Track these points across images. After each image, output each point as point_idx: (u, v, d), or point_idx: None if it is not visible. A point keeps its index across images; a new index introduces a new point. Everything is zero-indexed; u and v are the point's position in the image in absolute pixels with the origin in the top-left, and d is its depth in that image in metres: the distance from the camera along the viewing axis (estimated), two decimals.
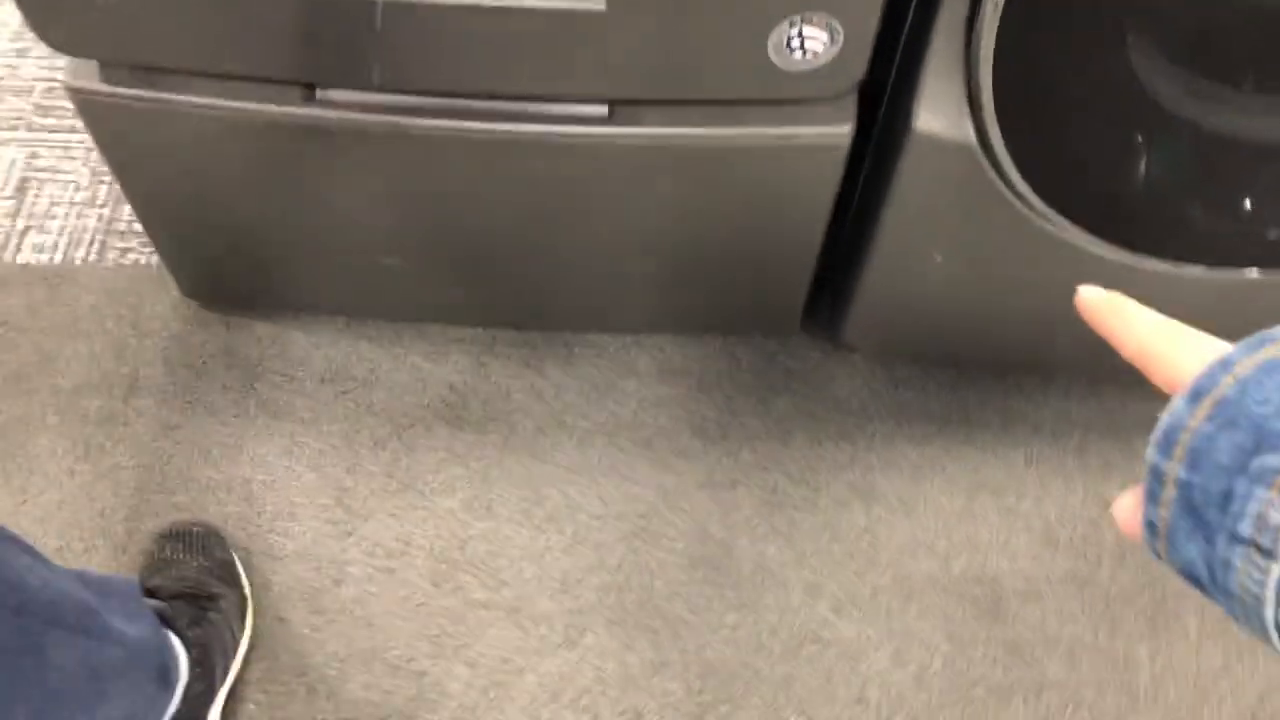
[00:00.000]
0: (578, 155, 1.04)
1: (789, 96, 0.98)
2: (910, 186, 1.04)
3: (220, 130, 1.04)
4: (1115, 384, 1.31)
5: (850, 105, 1.01)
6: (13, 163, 1.46)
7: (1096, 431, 1.28)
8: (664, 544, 1.20)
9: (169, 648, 0.97)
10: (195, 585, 1.07)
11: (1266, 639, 0.34)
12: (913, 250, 1.12)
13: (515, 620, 1.15)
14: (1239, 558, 0.34)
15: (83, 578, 0.86)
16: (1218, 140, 0.98)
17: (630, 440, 1.26)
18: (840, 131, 1.01)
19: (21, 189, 1.43)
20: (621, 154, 1.03)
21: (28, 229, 1.40)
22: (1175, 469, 0.36)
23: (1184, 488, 0.35)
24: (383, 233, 1.17)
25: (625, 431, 1.26)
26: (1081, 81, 0.94)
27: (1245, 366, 0.35)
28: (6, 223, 1.40)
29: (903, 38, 1.00)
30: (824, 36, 0.91)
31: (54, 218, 1.41)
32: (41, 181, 1.44)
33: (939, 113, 0.96)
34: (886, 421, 1.28)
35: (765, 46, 0.91)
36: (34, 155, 1.46)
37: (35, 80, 1.52)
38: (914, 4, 0.96)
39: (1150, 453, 0.37)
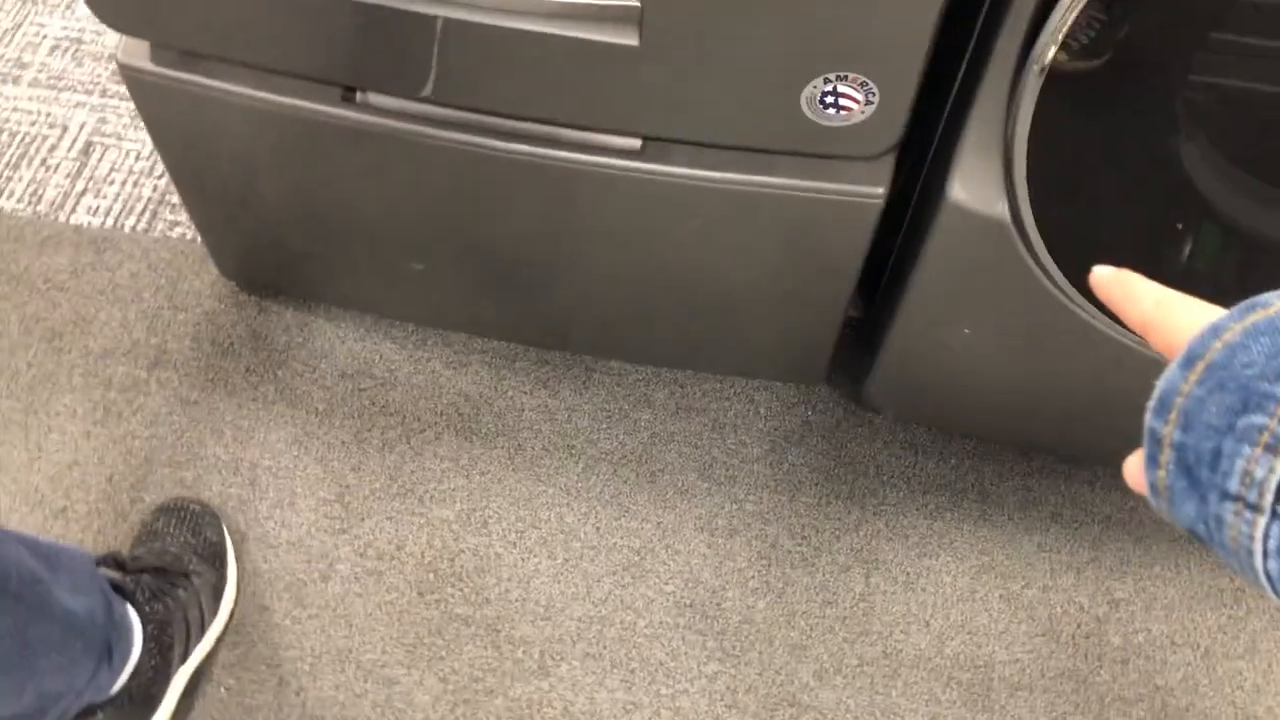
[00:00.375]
0: (607, 186, 1.03)
1: (821, 152, 0.96)
2: (941, 256, 1.01)
3: (260, 121, 1.06)
4: None
5: (886, 168, 0.98)
6: (82, 125, 1.49)
7: (1117, 527, 1.23)
8: (653, 583, 1.18)
9: (118, 623, 0.97)
10: (172, 561, 1.08)
11: (1260, 588, 0.36)
12: (940, 319, 1.09)
13: (493, 640, 1.14)
14: (1229, 513, 0.36)
15: (34, 546, 0.87)
16: (1266, 243, 0.94)
17: (635, 472, 1.24)
18: (873, 192, 0.99)
19: (86, 152, 1.47)
20: (651, 189, 1.02)
21: (85, 191, 1.43)
22: (1171, 432, 0.38)
23: (1179, 449, 0.37)
24: (410, 238, 1.17)
25: (631, 463, 1.25)
26: (1124, 169, 0.90)
27: (1234, 332, 0.37)
28: (66, 183, 1.44)
29: (947, 107, 0.97)
30: (859, 96, 0.89)
31: (112, 183, 1.44)
32: (106, 147, 1.48)
33: (973, 185, 0.93)
34: (900, 488, 1.25)
35: (799, 99, 0.90)
36: (103, 120, 1.50)
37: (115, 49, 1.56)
38: (960, 74, 0.93)
39: (1148, 417, 0.39)
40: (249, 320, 1.34)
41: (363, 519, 1.21)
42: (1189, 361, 0.38)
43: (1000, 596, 1.19)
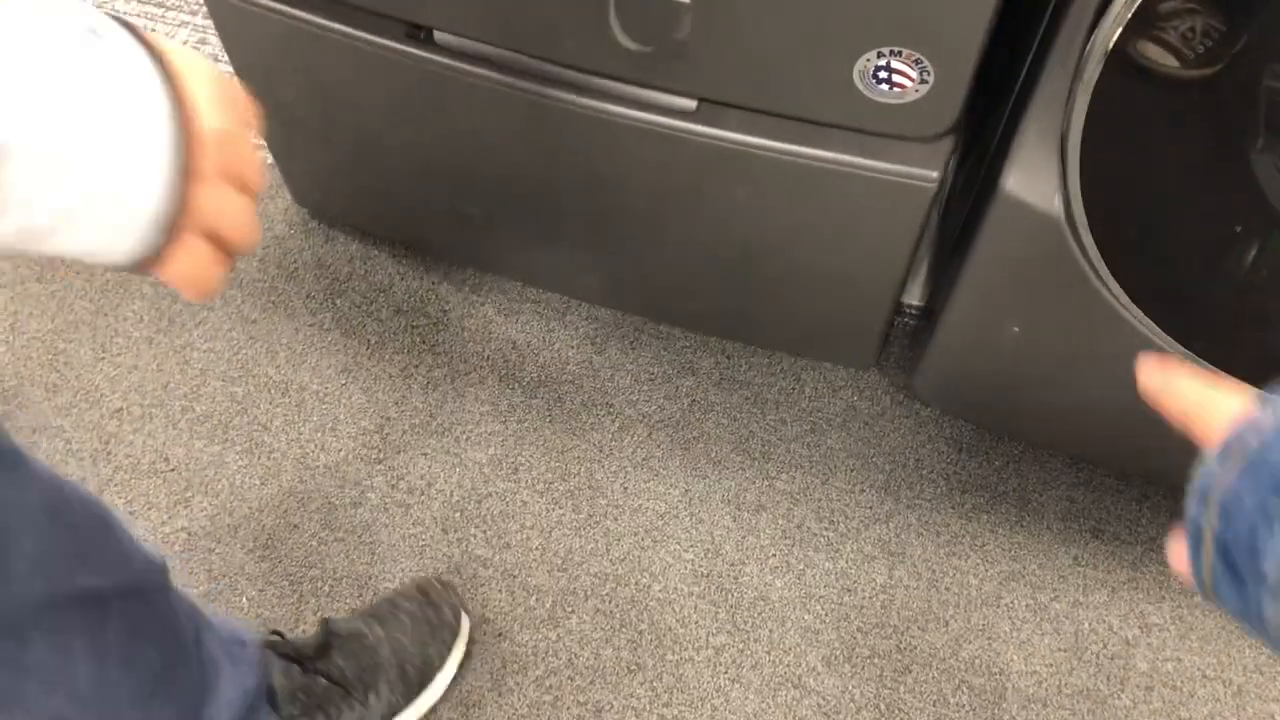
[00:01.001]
0: (663, 145, 1.02)
1: (873, 129, 0.94)
2: (992, 249, 0.98)
3: (333, 53, 1.07)
4: None
5: (942, 153, 0.95)
6: (183, 45, 1.54)
7: (1161, 550, 1.18)
8: (673, 548, 1.18)
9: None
10: (363, 673, 1.03)
11: None
12: (990, 315, 1.06)
13: (508, 585, 1.16)
14: (1268, 597, 0.36)
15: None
16: None
17: (670, 437, 1.24)
18: (927, 175, 0.96)
19: None
20: (704, 153, 1.01)
21: None
22: (1211, 521, 0.39)
23: (1219, 538, 0.39)
24: (469, 181, 1.18)
25: (668, 428, 1.25)
26: (1187, 174, 0.86)
27: (1269, 423, 0.38)
28: None
29: (1013, 94, 0.94)
30: (914, 74, 0.86)
31: None
32: None
33: (1029, 178, 0.90)
34: (938, 484, 1.22)
35: (851, 73, 0.87)
36: (203, 40, 1.54)
37: None
38: (1026, 65, 0.90)
39: (1189, 506, 0.40)
40: (315, 248, 1.37)
41: (399, 451, 1.23)
42: (1226, 454, 0.39)
43: (1027, 605, 1.15)
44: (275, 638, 1.03)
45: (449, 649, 1.09)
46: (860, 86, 0.88)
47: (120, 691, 0.77)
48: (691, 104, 0.99)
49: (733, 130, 0.98)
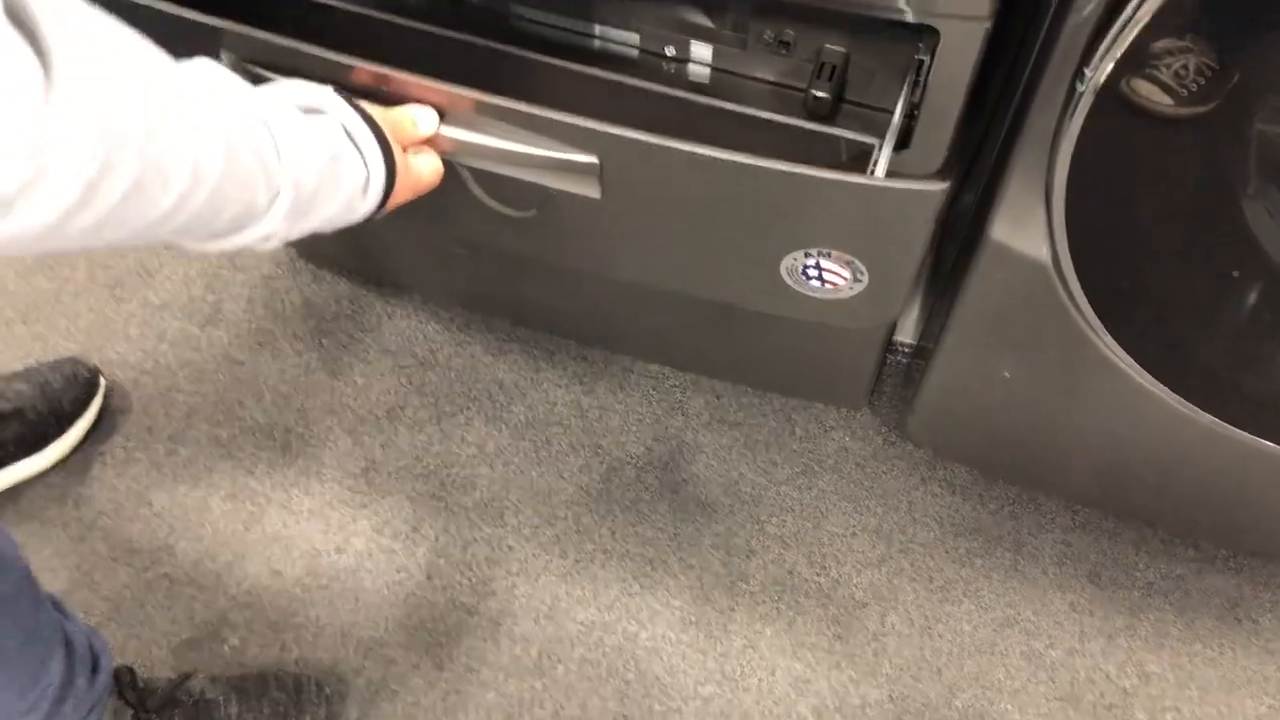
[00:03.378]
0: None
1: (808, 319, 0.91)
2: (981, 293, 0.96)
3: None
4: (1194, 548, 1.19)
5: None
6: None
7: (1159, 596, 1.16)
8: (661, 595, 1.16)
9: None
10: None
11: None
12: (980, 359, 1.04)
13: (493, 633, 1.14)
14: None
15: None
16: None
17: (659, 480, 1.22)
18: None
19: None
20: None
21: None
22: None
23: None
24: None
25: (656, 470, 1.23)
26: (1175, 219, 0.84)
27: None
28: None
29: (1000, 136, 0.92)
30: (845, 274, 0.83)
31: None
32: None
33: (1015, 225, 0.88)
34: (931, 528, 1.20)
35: (778, 269, 0.85)
36: None
37: None
38: (1012, 110, 0.88)
39: None
40: (303, 288, 1.36)
41: (384, 495, 1.21)
42: None
43: (1021, 653, 1.13)
44: (125, 672, 0.99)
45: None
46: (789, 282, 0.85)
47: None
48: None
49: None
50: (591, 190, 0.82)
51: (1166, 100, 0.79)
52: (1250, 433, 0.92)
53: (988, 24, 0.71)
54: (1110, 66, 0.75)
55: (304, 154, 0.65)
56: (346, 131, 0.71)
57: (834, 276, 0.82)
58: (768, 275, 0.85)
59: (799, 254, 0.81)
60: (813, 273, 0.82)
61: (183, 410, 1.27)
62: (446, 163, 0.82)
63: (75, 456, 1.23)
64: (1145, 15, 0.71)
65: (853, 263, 0.80)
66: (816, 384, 1.25)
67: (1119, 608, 1.15)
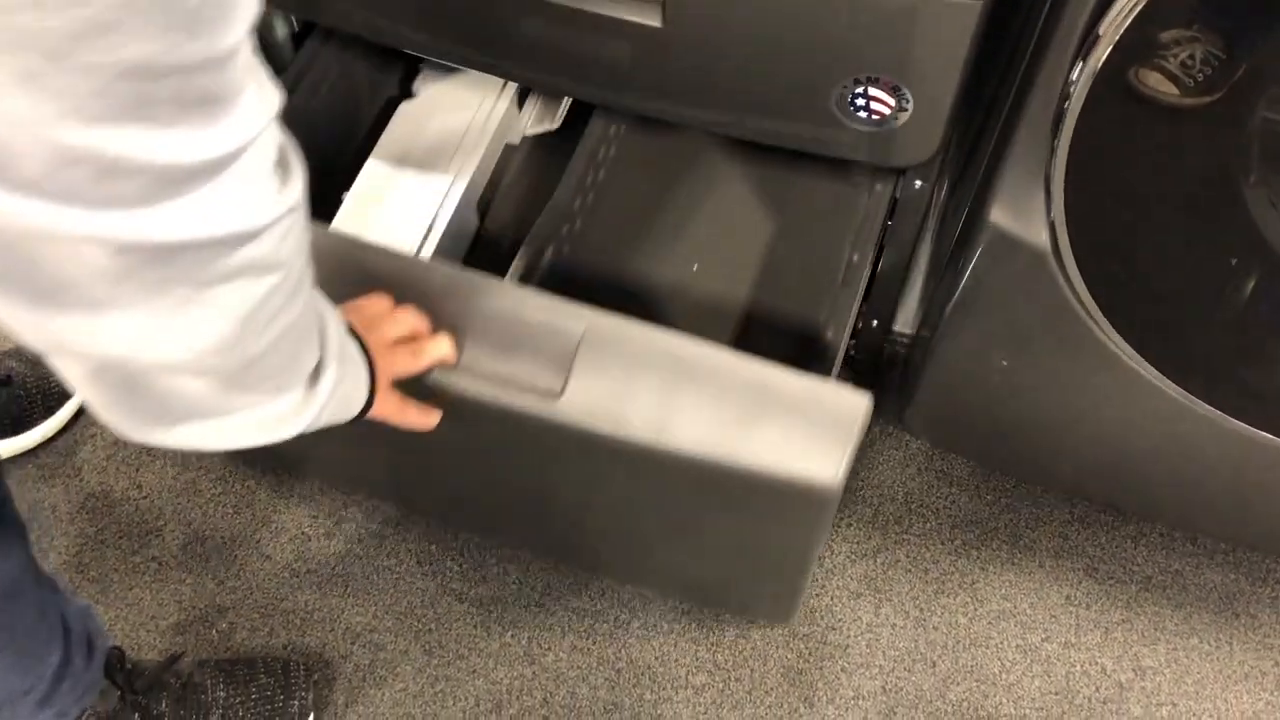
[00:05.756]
0: (525, 427, 0.86)
1: (854, 156, 0.91)
2: (979, 279, 0.95)
3: None
4: (1192, 542, 1.17)
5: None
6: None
7: (1157, 590, 1.14)
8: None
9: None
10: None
11: None
12: (978, 347, 1.02)
13: (484, 620, 1.13)
14: None
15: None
16: None
17: None
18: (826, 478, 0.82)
19: None
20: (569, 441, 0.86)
21: None
22: None
23: None
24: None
25: None
26: (1176, 206, 0.83)
27: None
28: None
29: (1000, 120, 0.91)
30: (891, 101, 0.83)
31: None
32: None
33: (1014, 210, 0.87)
34: (927, 519, 1.19)
35: (828, 99, 0.85)
36: None
37: None
38: (1013, 93, 0.87)
39: None
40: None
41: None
42: None
43: (1017, 647, 1.12)
44: (114, 653, 0.97)
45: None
46: (837, 113, 0.85)
47: None
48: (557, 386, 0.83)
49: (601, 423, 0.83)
50: (653, 19, 0.83)
51: (1173, 90, 0.77)
52: (1251, 424, 0.91)
53: None
54: (1107, 54, 0.74)
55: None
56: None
57: (880, 105, 0.83)
58: (818, 108, 0.86)
59: (848, 81, 0.82)
60: (860, 102, 0.84)
61: None
62: None
63: (64, 437, 1.22)
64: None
65: (898, 89, 0.81)
66: (737, 599, 1.14)
67: (1116, 601, 1.14)
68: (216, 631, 1.12)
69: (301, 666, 1.07)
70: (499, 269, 0.97)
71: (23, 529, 0.84)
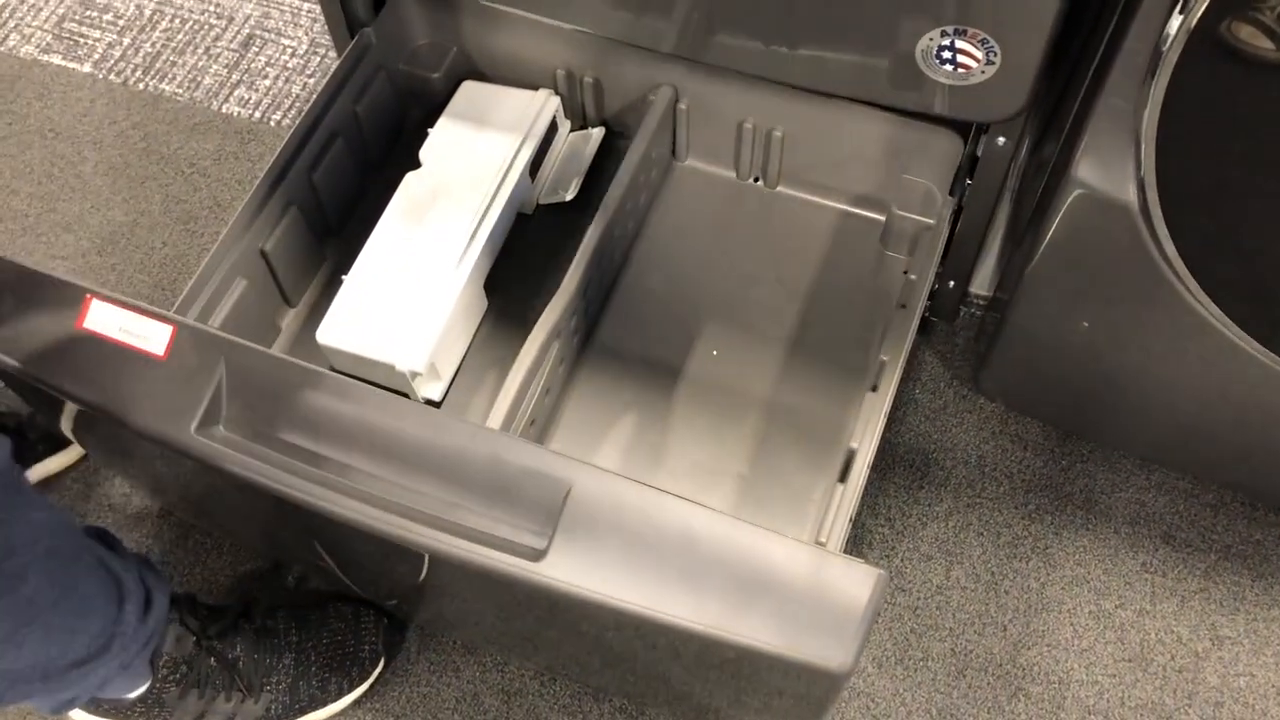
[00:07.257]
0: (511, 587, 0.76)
1: (938, 111, 0.89)
2: (1062, 237, 0.93)
3: None
4: (1277, 513, 1.15)
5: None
6: (247, 18, 1.54)
7: (1236, 559, 1.12)
8: None
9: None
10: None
11: None
12: (1059, 309, 1.00)
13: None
14: None
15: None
16: None
17: None
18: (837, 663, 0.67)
19: (246, 44, 1.52)
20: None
21: (239, 83, 1.48)
22: None
23: None
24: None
25: None
26: (1272, 165, 0.80)
27: None
28: (224, 73, 1.49)
29: (1089, 74, 0.88)
30: (979, 54, 0.82)
31: (265, 77, 1.48)
32: (265, 41, 1.52)
33: (1101, 164, 0.85)
34: (1001, 483, 1.17)
35: (913, 51, 0.83)
36: (266, 15, 1.54)
37: None
38: (1105, 41, 0.84)
39: None
40: None
41: None
42: None
43: (1090, 613, 1.10)
44: (186, 599, 0.98)
45: (350, 687, 1.06)
46: (923, 67, 0.84)
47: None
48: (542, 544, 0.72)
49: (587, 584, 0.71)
50: None
51: (1268, 45, 0.75)
52: None
53: None
54: (1204, 8, 0.71)
55: None
56: None
57: (967, 58, 0.83)
58: (904, 59, 0.85)
59: (935, 33, 0.81)
60: (946, 54, 0.83)
61: None
62: None
63: None
64: None
65: (986, 40, 0.80)
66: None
67: (1193, 570, 1.12)
68: (291, 578, 1.15)
69: (372, 612, 1.09)
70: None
71: (52, 509, 0.81)
